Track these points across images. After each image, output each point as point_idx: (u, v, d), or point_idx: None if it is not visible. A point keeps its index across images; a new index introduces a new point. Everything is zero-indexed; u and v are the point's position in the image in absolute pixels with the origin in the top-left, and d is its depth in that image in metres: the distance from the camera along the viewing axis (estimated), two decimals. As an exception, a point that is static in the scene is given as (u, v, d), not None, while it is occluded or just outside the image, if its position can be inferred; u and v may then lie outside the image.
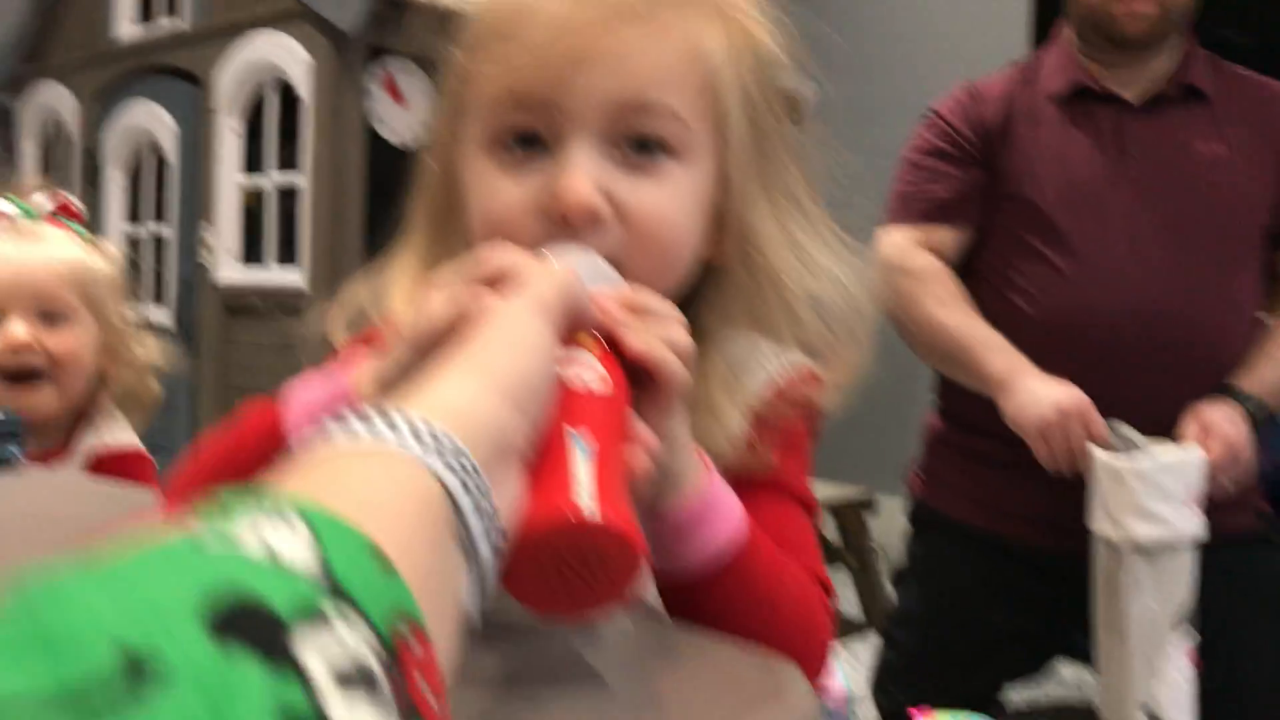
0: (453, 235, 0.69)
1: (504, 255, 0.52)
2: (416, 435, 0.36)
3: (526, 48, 0.61)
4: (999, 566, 1.67)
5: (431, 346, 0.48)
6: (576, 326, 0.50)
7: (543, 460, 0.43)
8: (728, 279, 0.68)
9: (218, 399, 3.27)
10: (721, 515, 0.58)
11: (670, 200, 0.63)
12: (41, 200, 1.43)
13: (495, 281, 0.50)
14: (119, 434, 1.43)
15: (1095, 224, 1.60)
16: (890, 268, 1.68)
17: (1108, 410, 1.47)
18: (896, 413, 2.12)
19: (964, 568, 1.71)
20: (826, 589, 0.67)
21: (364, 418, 0.36)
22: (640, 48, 0.61)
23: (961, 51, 3.04)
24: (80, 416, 1.41)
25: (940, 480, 1.76)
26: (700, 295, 0.68)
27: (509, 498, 0.40)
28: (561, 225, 0.60)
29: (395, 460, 0.35)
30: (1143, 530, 1.39)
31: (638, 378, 0.51)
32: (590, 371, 0.48)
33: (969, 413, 1.67)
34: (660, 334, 0.52)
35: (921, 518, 1.79)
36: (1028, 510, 1.63)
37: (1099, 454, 1.44)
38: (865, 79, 2.90)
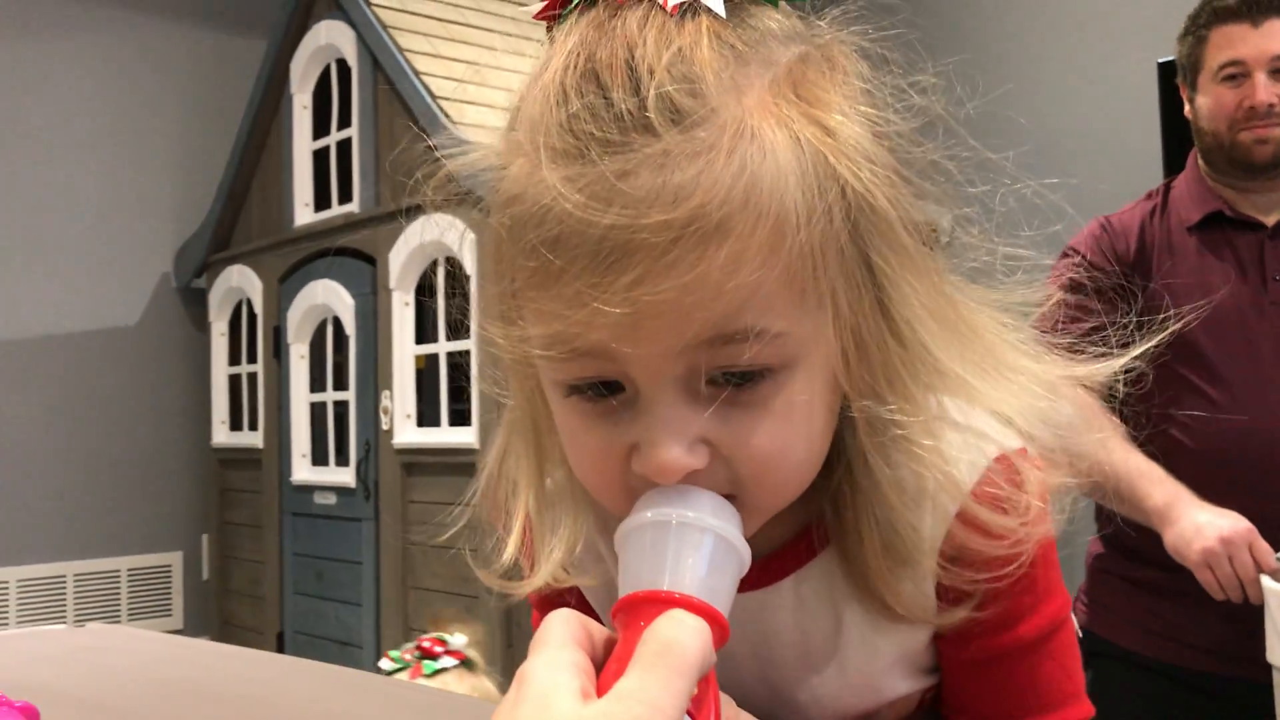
0: (555, 449, 0.62)
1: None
2: None
3: (574, 298, 0.50)
4: (1170, 695, 1.66)
5: None
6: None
7: None
8: (876, 420, 0.57)
9: (399, 553, 3.44)
10: None
11: (779, 425, 0.53)
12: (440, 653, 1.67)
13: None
14: None
15: (1244, 351, 1.63)
16: (1039, 404, 1.72)
17: (1271, 536, 1.48)
18: (1060, 534, 2.11)
19: (1134, 696, 1.71)
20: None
21: None
22: (709, 269, 0.49)
23: (1095, 183, 3.06)
24: None
25: (1106, 607, 1.77)
26: (847, 429, 0.58)
27: None
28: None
29: None
30: (1320, 659, 1.38)
31: None
32: None
33: (1131, 541, 1.68)
34: None
35: (1088, 645, 1.80)
36: (1195, 638, 1.63)
37: (1269, 584, 1.44)
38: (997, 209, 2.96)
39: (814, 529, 0.62)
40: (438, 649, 1.67)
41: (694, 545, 0.51)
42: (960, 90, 0.59)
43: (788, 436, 0.53)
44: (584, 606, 0.72)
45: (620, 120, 0.49)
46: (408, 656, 1.69)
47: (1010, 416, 0.59)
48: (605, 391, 0.53)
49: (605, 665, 0.49)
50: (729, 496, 0.54)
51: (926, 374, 0.56)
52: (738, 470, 0.53)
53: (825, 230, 0.52)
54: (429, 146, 0.60)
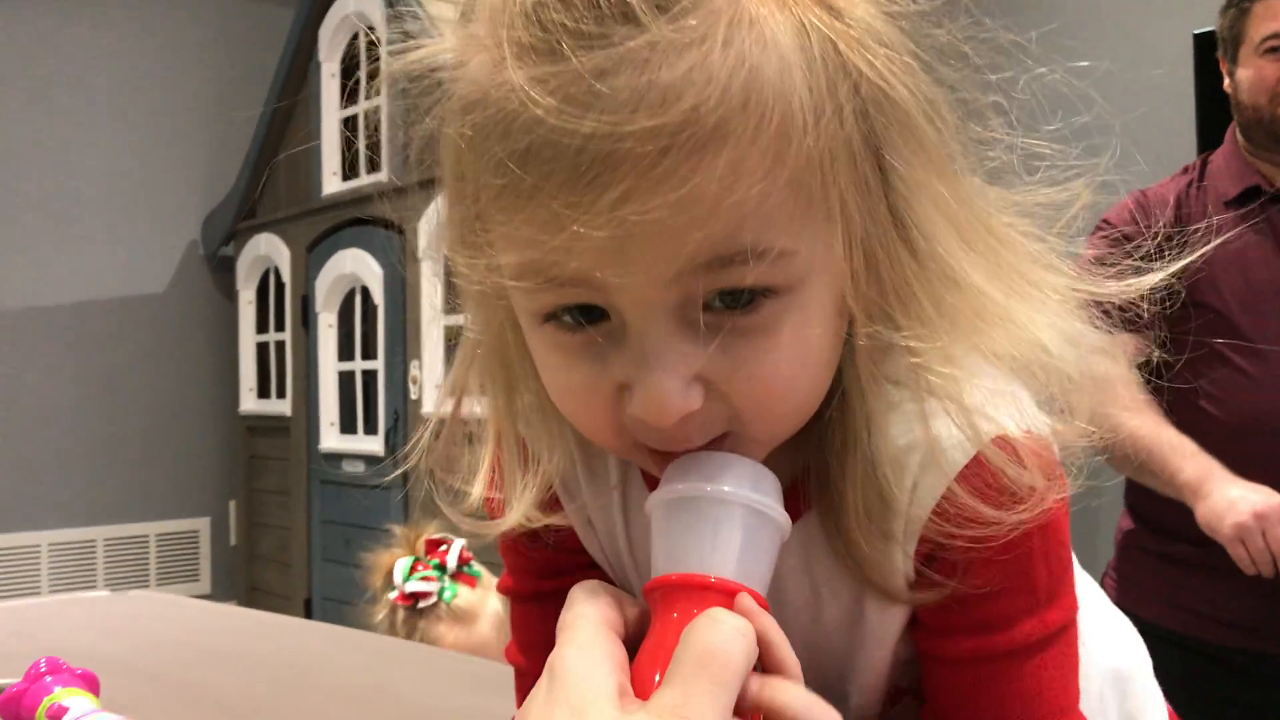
0: (528, 378, 0.56)
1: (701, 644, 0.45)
2: None
3: (550, 221, 0.44)
4: (1199, 670, 1.67)
5: None
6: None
7: None
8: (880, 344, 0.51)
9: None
10: None
11: (784, 354, 0.48)
12: (451, 559, 1.66)
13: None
14: None
15: (1279, 325, 1.62)
16: (1073, 377, 1.72)
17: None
18: (1087, 510, 2.11)
19: (1162, 671, 1.70)
20: None
21: None
22: (704, 182, 0.43)
23: (1128, 160, 3.04)
24: None
25: (1134, 583, 1.77)
26: (846, 361, 0.52)
27: None
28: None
29: None
30: (1353, 634, 1.38)
31: None
32: None
33: (1161, 516, 1.69)
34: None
35: (1117, 620, 1.80)
36: (1225, 614, 1.63)
37: (1301, 558, 1.45)
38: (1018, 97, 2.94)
39: (799, 487, 0.56)
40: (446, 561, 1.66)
41: (731, 523, 0.49)
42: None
43: (793, 366, 0.48)
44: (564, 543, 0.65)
45: (596, 8, 0.42)
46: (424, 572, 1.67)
47: (1039, 337, 0.52)
48: (586, 319, 0.48)
49: (639, 652, 0.48)
50: (726, 435, 0.50)
51: (945, 287, 0.50)
52: (737, 404, 0.48)
53: (835, 132, 0.46)
54: (371, 43, 0.54)
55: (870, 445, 0.53)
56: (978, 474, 0.52)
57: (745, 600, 0.47)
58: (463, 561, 1.68)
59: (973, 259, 0.51)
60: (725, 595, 0.48)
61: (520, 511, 0.59)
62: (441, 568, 1.65)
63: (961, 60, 0.51)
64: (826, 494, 0.54)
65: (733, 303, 0.46)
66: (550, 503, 0.62)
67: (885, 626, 0.57)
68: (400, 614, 1.64)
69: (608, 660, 0.45)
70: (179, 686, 0.83)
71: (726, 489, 0.49)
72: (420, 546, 1.69)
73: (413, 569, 1.66)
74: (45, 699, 0.71)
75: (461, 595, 1.64)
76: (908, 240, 0.49)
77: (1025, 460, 0.52)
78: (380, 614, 1.66)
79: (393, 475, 0.66)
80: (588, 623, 0.47)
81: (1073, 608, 0.56)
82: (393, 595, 1.65)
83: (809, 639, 0.59)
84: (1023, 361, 0.53)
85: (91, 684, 0.74)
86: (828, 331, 0.49)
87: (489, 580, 1.71)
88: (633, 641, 0.48)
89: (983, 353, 0.52)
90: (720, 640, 0.45)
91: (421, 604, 1.63)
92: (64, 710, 0.70)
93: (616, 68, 0.42)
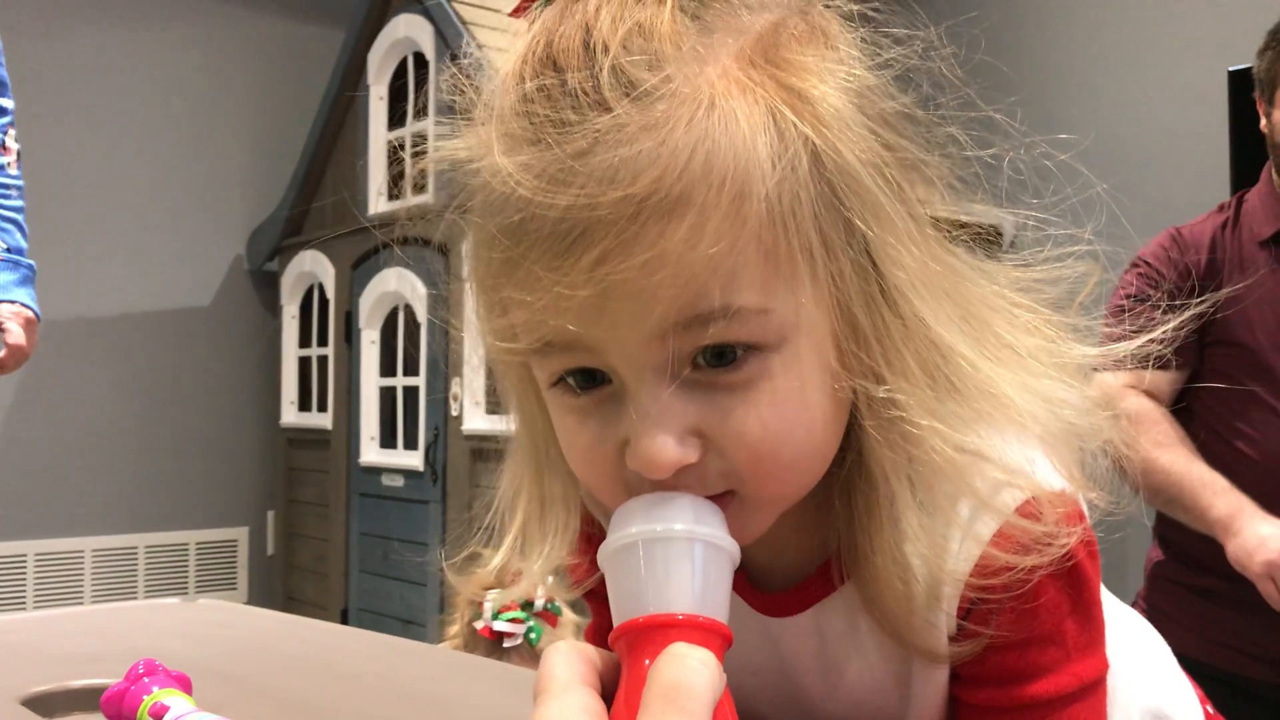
0: (553, 448, 0.60)
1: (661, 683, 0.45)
2: None
3: (535, 283, 0.49)
4: (1226, 703, 1.68)
5: None
6: None
7: None
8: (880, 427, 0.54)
9: (464, 534, 3.53)
10: None
11: (771, 409, 0.51)
12: (538, 598, 1.72)
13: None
14: None
15: (1312, 365, 1.65)
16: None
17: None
18: (1117, 539, 2.12)
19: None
20: None
21: None
22: (671, 244, 0.47)
23: (1162, 196, 3.06)
24: None
25: (1163, 613, 1.80)
26: (858, 433, 0.55)
27: None
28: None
29: None
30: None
31: None
32: None
33: (1192, 549, 1.72)
34: None
35: (1147, 651, 1.82)
36: (1254, 647, 1.66)
37: (1329, 595, 1.48)
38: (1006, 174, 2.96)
39: (834, 561, 0.59)
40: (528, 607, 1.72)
41: (683, 558, 0.50)
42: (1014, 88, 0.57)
43: (782, 421, 0.51)
44: None
45: (574, 99, 0.49)
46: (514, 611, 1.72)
47: (1011, 397, 0.54)
48: (589, 383, 0.52)
49: (614, 702, 0.48)
50: (728, 493, 0.53)
51: (923, 348, 0.53)
52: (732, 460, 0.51)
53: (794, 197, 0.50)
54: (419, 68, 0.60)
55: (895, 512, 0.55)
56: (1010, 535, 0.55)
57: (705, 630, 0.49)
58: (547, 599, 1.75)
59: (945, 319, 0.54)
60: (686, 630, 0.49)
61: (529, 583, 0.64)
62: (528, 604, 1.71)
63: (919, 131, 0.55)
64: (860, 565, 0.57)
65: (717, 360, 0.50)
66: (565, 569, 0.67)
67: (933, 683, 0.60)
68: (482, 645, 1.70)
69: (584, 714, 0.46)
70: (263, 691, 0.87)
71: (678, 527, 0.50)
72: (508, 580, 1.75)
73: (502, 608, 1.73)
74: (146, 698, 0.75)
75: (545, 635, 1.70)
76: (886, 297, 0.53)
77: (1045, 514, 0.55)
78: (456, 634, 1.72)
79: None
80: (562, 681, 0.48)
81: (1103, 666, 0.58)
82: (479, 624, 1.71)
83: (857, 698, 0.63)
84: (1015, 421, 0.55)
85: (185, 685, 0.78)
86: (820, 389, 0.52)
87: (569, 617, 1.77)
88: (609, 693, 0.49)
89: (965, 412, 0.54)
90: (683, 673, 0.45)
91: (507, 643, 1.69)
92: (165, 709, 0.73)
93: (592, 148, 0.48)
